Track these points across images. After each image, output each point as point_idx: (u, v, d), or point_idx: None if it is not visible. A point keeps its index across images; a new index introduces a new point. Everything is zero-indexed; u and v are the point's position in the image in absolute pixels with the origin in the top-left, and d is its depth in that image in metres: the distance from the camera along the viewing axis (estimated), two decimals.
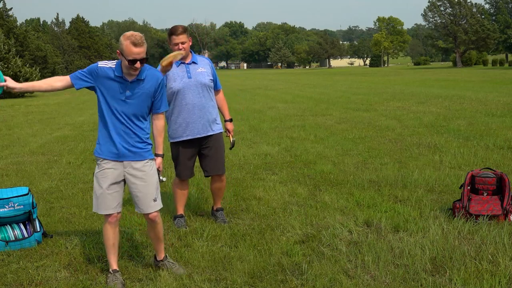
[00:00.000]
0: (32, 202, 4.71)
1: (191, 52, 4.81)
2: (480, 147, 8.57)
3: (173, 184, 5.09)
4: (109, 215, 3.73)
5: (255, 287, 3.66)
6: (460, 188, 5.17)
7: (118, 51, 3.54)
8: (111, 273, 3.79)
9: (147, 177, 3.73)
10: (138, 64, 3.51)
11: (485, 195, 5.04)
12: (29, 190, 4.74)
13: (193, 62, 4.79)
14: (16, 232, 4.58)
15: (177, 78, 4.71)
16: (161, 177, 3.73)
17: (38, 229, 4.65)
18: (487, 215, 4.76)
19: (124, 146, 3.66)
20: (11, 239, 4.53)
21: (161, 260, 3.98)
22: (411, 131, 10.70)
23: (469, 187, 5.06)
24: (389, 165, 7.46)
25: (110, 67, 3.63)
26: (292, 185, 6.49)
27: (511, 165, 7.07)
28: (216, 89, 4.99)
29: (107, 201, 3.69)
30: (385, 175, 6.75)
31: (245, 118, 14.30)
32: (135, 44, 3.46)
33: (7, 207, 4.56)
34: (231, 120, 5.17)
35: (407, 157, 8.01)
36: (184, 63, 4.76)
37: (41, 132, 12.75)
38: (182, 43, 4.61)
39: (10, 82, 3.59)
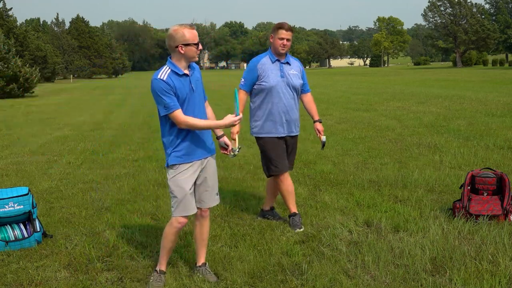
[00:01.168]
0: (32, 202, 4.71)
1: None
2: (480, 147, 8.57)
3: (277, 183, 4.89)
4: (185, 217, 3.66)
5: (255, 287, 3.65)
6: (460, 188, 5.17)
7: (180, 45, 3.46)
8: (157, 273, 3.76)
9: (215, 171, 3.79)
10: (201, 46, 3.56)
11: (485, 195, 5.03)
12: (29, 190, 4.74)
13: (287, 63, 4.81)
14: (16, 232, 4.58)
15: (270, 75, 4.72)
16: (236, 149, 3.84)
17: (38, 229, 4.65)
18: (487, 215, 4.76)
19: (209, 142, 3.69)
20: (11, 239, 4.53)
21: (200, 266, 3.89)
22: (411, 131, 10.70)
23: (469, 187, 5.06)
24: (389, 165, 7.46)
25: (170, 71, 3.53)
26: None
27: (511, 165, 7.07)
28: (305, 92, 5.03)
29: (191, 202, 3.65)
30: (385, 175, 6.75)
31: (245, 118, 14.27)
32: (192, 27, 3.52)
33: (7, 207, 4.56)
34: (320, 121, 5.18)
35: (407, 157, 8.01)
36: (279, 61, 4.77)
37: (41, 132, 12.75)
38: (288, 39, 4.69)
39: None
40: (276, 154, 4.79)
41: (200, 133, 3.63)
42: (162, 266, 3.79)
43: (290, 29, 4.73)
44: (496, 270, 3.73)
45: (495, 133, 9.91)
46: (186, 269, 3.95)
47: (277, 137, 4.80)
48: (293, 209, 4.92)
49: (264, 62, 4.76)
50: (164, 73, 3.51)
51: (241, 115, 3.64)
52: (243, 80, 4.80)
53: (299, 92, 4.92)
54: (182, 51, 3.49)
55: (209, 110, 3.85)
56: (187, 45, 3.48)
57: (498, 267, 3.77)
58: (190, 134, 3.59)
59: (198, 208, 3.77)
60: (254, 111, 4.86)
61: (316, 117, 5.13)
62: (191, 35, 3.48)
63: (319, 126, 5.14)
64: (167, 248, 3.76)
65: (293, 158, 5.06)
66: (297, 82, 4.82)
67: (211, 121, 3.67)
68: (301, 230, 4.73)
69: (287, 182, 4.87)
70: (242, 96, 4.78)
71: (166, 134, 3.60)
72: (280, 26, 4.70)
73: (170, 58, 3.58)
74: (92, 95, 30.74)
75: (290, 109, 4.79)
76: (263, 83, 4.72)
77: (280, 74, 4.74)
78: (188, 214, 3.66)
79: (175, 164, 3.59)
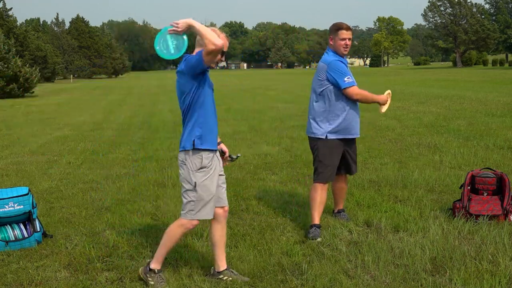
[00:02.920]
0: (32, 202, 4.71)
1: None
2: (480, 147, 8.57)
3: (312, 190, 4.71)
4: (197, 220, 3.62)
5: (255, 287, 3.65)
6: (460, 188, 5.17)
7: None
8: (155, 273, 3.70)
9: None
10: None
11: (485, 195, 5.04)
12: (29, 190, 4.74)
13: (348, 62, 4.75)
14: (16, 232, 4.58)
15: (348, 73, 4.58)
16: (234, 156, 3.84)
17: (38, 229, 4.65)
18: (487, 215, 4.76)
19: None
20: (11, 239, 4.53)
21: (226, 269, 3.76)
22: (411, 131, 10.70)
23: (469, 187, 5.06)
24: (389, 165, 7.46)
25: None
26: (292, 185, 6.49)
27: (511, 165, 7.07)
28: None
29: (214, 205, 3.60)
30: (385, 175, 6.75)
31: (245, 118, 14.30)
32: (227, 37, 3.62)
33: (7, 207, 4.56)
34: None
35: (407, 157, 8.01)
36: (343, 62, 4.65)
37: (41, 132, 12.75)
38: (349, 39, 4.58)
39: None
40: (331, 161, 4.65)
41: (215, 125, 3.60)
42: (159, 265, 3.73)
43: (350, 28, 4.61)
44: (496, 270, 3.73)
45: (495, 133, 9.91)
46: (186, 269, 3.95)
47: (342, 140, 4.65)
48: (318, 220, 4.68)
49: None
50: None
51: None
52: (348, 77, 4.55)
53: None
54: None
55: None
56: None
57: (498, 267, 3.77)
58: (209, 121, 3.53)
59: (220, 207, 3.69)
60: (326, 109, 4.60)
61: None
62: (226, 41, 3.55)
63: None
64: (169, 248, 3.72)
65: (355, 161, 4.90)
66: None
67: None
68: (319, 240, 4.53)
69: (323, 193, 4.68)
70: (357, 89, 4.60)
71: (194, 123, 3.51)
72: (340, 27, 4.57)
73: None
74: (92, 95, 30.73)
75: (359, 110, 4.75)
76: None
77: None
78: (210, 218, 3.60)
79: (205, 167, 3.48)
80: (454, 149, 8.39)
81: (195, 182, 3.49)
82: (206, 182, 3.50)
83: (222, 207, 3.71)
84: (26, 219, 4.67)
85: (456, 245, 4.20)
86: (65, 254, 4.35)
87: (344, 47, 4.57)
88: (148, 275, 3.72)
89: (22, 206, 4.62)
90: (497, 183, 5.03)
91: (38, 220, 4.74)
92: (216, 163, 3.59)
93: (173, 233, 3.66)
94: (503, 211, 4.79)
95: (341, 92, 4.57)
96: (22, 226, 4.64)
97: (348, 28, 4.59)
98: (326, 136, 4.62)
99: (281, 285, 3.66)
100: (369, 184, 6.37)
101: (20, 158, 9.08)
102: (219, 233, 3.74)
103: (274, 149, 9.19)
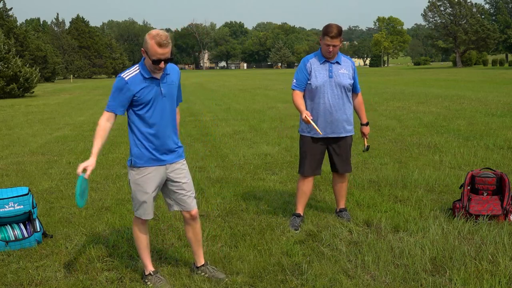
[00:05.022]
0: (32, 202, 4.71)
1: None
2: (480, 147, 8.58)
3: (298, 181, 5.01)
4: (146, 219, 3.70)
5: (255, 287, 3.65)
6: (460, 188, 5.17)
7: (142, 49, 3.43)
8: (151, 275, 3.75)
9: (189, 175, 3.77)
10: (162, 64, 3.42)
11: (485, 195, 5.04)
12: (29, 190, 4.74)
13: (337, 62, 4.74)
14: (16, 232, 4.58)
15: (318, 75, 4.69)
16: None
17: (38, 229, 4.65)
18: (487, 215, 4.76)
19: (171, 148, 3.64)
20: (11, 239, 4.53)
21: (203, 265, 3.89)
22: (411, 131, 10.71)
23: (469, 187, 5.06)
24: (389, 165, 7.46)
25: (136, 73, 3.47)
26: (292, 185, 6.49)
27: (511, 165, 7.07)
28: (355, 92, 4.92)
29: (151, 205, 3.66)
30: (385, 175, 6.75)
31: (245, 118, 14.29)
32: (160, 45, 3.33)
33: (7, 207, 4.56)
34: (367, 124, 5.08)
35: (407, 157, 8.01)
36: (328, 61, 4.72)
37: (41, 132, 12.75)
38: (334, 46, 4.60)
39: (89, 165, 3.52)
40: (307, 156, 4.84)
41: (164, 137, 3.58)
42: (150, 267, 3.79)
43: (337, 34, 4.58)
44: (496, 270, 3.73)
45: (495, 133, 9.91)
46: (186, 269, 3.95)
47: (314, 137, 4.77)
48: (300, 210, 4.99)
49: (313, 62, 4.74)
50: (132, 70, 3.49)
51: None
52: (294, 81, 4.79)
53: (349, 91, 4.82)
54: (144, 55, 3.46)
55: (178, 117, 3.80)
56: (147, 55, 3.42)
57: (498, 267, 3.77)
58: (155, 137, 3.55)
59: (186, 211, 3.75)
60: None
61: (364, 121, 5.06)
62: (153, 51, 3.35)
63: (365, 129, 5.08)
64: (142, 248, 3.77)
65: (345, 160, 4.93)
66: (346, 81, 4.73)
67: (96, 148, 3.58)
68: (296, 232, 4.71)
69: (307, 186, 4.93)
70: (296, 96, 4.74)
71: (131, 134, 3.59)
72: (326, 33, 4.60)
73: (144, 59, 3.51)
74: (92, 95, 30.73)
75: (337, 109, 4.72)
76: (310, 83, 4.70)
77: (328, 74, 4.69)
78: (145, 218, 3.67)
79: (139, 167, 3.56)
80: (454, 149, 8.39)
81: (129, 180, 3.63)
82: (139, 181, 3.58)
83: (188, 212, 3.76)
84: (26, 219, 4.67)
85: (456, 245, 4.20)
86: (65, 254, 4.35)
87: (327, 53, 4.65)
88: (146, 280, 3.75)
89: (22, 206, 4.62)
90: (497, 183, 5.03)
91: (38, 220, 4.74)
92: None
93: (135, 233, 3.78)
94: (503, 211, 4.79)
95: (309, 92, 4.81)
96: (22, 226, 4.64)
97: (335, 36, 4.57)
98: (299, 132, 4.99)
99: (281, 285, 3.66)
100: (369, 184, 6.37)
101: (20, 158, 9.08)
102: (190, 233, 3.86)
103: (274, 149, 9.19)
